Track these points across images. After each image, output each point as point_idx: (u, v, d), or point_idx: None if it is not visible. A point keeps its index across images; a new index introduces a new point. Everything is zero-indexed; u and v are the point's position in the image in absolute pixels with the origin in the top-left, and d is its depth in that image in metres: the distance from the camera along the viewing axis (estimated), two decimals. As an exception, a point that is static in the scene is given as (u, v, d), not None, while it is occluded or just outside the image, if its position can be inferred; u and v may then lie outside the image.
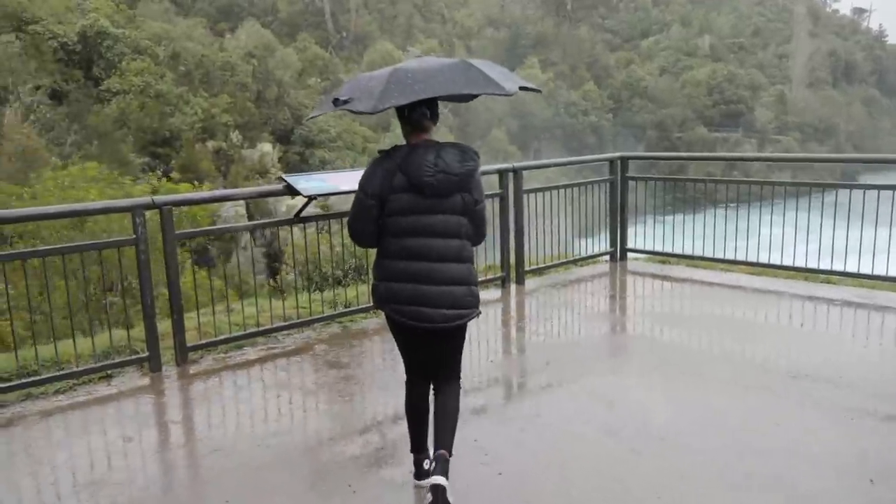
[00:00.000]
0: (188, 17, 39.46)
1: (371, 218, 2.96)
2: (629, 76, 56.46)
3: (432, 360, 3.11)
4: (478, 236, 3.10)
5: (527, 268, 6.90)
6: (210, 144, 25.09)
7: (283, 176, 5.37)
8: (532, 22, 58.67)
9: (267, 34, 37.95)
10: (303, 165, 33.60)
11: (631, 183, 7.69)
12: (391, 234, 2.97)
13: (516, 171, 6.66)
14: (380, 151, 3.01)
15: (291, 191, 5.06)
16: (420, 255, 2.93)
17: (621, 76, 56.46)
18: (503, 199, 6.56)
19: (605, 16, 68.39)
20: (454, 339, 3.10)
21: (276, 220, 7.10)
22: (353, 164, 34.40)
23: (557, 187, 7.14)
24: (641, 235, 7.70)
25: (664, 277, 7.06)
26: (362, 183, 2.97)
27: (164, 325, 4.98)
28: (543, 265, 7.22)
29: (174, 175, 20.51)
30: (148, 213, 4.67)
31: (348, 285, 6.74)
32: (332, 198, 6.38)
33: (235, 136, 25.97)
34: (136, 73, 26.36)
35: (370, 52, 43.01)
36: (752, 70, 63.75)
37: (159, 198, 4.91)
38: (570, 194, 7.23)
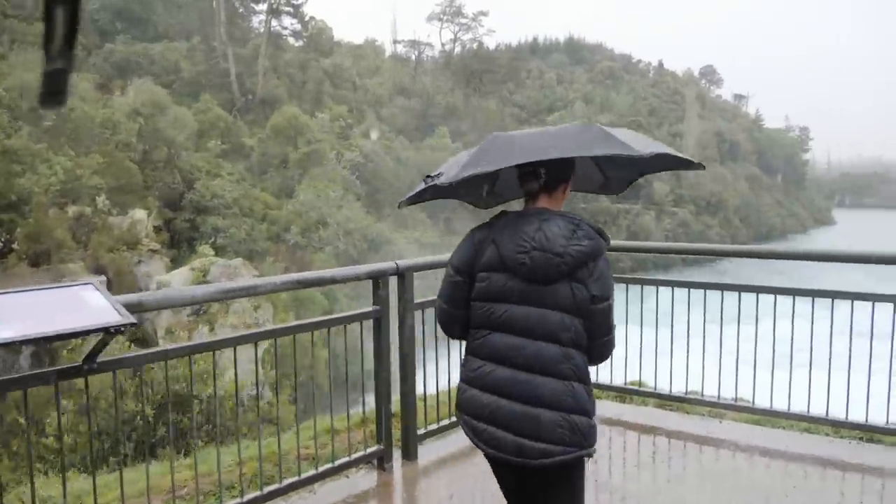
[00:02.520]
0: (79, 71, 35.30)
1: (459, 299, 2.34)
2: (535, 149, 55.43)
3: None
4: (598, 347, 2.25)
5: (421, 429, 4.16)
6: (71, 210, 20.93)
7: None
8: (442, 93, 57.22)
9: (159, 92, 34.15)
10: (193, 233, 29.71)
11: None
12: (476, 324, 2.30)
13: (402, 274, 4.03)
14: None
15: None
16: (504, 357, 2.22)
17: (528, 148, 55.32)
18: (378, 317, 3.92)
19: (513, 91, 68.25)
20: (543, 488, 2.24)
21: None
22: (251, 232, 30.75)
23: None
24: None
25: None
26: (452, 255, 2.40)
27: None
28: (447, 421, 4.36)
29: (16, 247, 16.47)
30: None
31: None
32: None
33: (102, 200, 21.87)
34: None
35: (276, 116, 39.83)
36: (650, 147, 64.41)
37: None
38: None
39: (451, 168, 2.27)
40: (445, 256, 4.34)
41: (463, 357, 2.42)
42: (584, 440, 2.20)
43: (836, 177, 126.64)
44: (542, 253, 2.17)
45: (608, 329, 2.27)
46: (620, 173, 2.68)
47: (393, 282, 3.89)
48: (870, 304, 4.24)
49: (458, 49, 69.21)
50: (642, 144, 2.22)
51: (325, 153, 38.10)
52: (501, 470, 2.34)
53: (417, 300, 4.01)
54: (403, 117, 52.20)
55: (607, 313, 2.25)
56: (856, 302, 4.31)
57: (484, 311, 2.28)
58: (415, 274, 4.06)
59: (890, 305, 4.20)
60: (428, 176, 2.34)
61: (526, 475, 2.25)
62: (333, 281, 3.52)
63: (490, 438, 2.22)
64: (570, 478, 2.25)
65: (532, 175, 2.29)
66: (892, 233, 75.77)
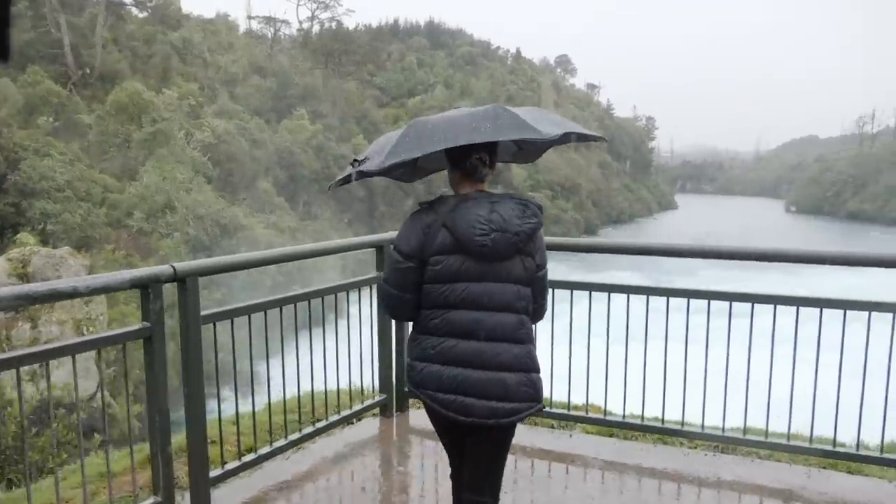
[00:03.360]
0: None
1: (409, 284, 2.45)
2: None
3: (467, 466, 2.52)
4: (539, 309, 2.61)
5: (215, 470, 3.53)
6: None
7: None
8: (301, 73, 55.03)
9: (-27, 61, 30.14)
10: (19, 219, 26.63)
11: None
12: (432, 304, 2.43)
13: (182, 280, 3.23)
14: (420, 204, 2.52)
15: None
16: (467, 331, 2.39)
17: (390, 131, 54.59)
18: (149, 336, 3.11)
19: (374, 73, 67.06)
20: (499, 443, 2.49)
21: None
22: (88, 217, 28.02)
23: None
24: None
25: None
26: (397, 241, 2.49)
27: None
28: (251, 456, 3.65)
29: None
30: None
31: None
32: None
33: None
34: None
35: (117, 92, 36.45)
36: (509, 132, 65.58)
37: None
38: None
39: (376, 154, 2.40)
40: (236, 257, 3.72)
41: (410, 337, 2.54)
42: (539, 394, 2.47)
43: (678, 164, 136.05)
44: (501, 234, 2.36)
45: (545, 291, 2.63)
46: (533, 147, 2.86)
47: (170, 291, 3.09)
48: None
49: (316, 28, 67.15)
50: (550, 125, 2.39)
51: (173, 133, 35.40)
52: (458, 430, 2.46)
53: (207, 311, 3.25)
54: (259, 97, 49.72)
55: (545, 277, 2.58)
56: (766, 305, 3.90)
57: (440, 292, 2.40)
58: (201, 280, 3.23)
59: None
60: (355, 160, 2.47)
61: (480, 431, 2.43)
62: (76, 294, 2.63)
63: (461, 406, 2.37)
64: (513, 430, 2.51)
65: (479, 161, 2.46)
66: (726, 216, 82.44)
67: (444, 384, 2.37)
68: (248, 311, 3.56)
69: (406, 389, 3.19)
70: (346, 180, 2.52)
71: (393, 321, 4.51)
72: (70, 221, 26.78)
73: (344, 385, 4.30)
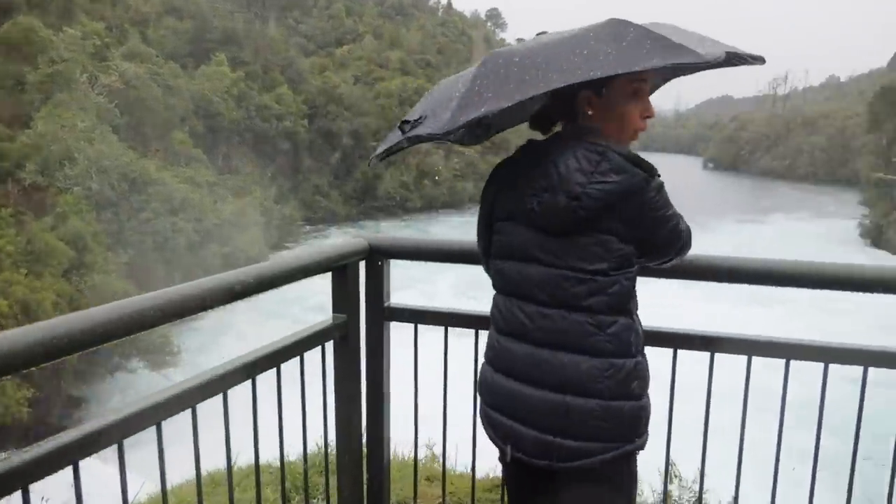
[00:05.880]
0: None
1: (482, 247, 1.94)
2: (324, 82, 51.62)
3: None
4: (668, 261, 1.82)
5: None
6: None
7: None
8: (220, 16, 50.56)
9: None
10: None
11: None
12: (494, 286, 1.87)
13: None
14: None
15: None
16: (520, 330, 1.74)
17: (316, 82, 51.32)
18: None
19: (300, 19, 63.05)
20: (562, 497, 1.72)
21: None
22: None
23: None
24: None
25: None
26: None
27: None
28: None
29: None
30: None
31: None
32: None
33: None
34: None
35: (8, 27, 32.07)
36: (439, 85, 63.69)
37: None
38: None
39: (440, 109, 1.65)
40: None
41: None
42: (623, 435, 1.68)
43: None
44: (552, 195, 1.66)
45: (672, 239, 1.75)
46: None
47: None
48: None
49: (238, -31, 62.14)
50: (700, 44, 1.56)
51: (74, 76, 31.47)
52: (505, 463, 1.83)
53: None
54: (174, 41, 45.41)
55: (669, 227, 1.72)
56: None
57: (496, 272, 1.84)
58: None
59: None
60: (405, 121, 1.74)
61: (531, 473, 1.75)
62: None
63: (502, 428, 1.77)
64: (611, 480, 1.68)
65: (587, 101, 1.73)
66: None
67: (493, 397, 1.82)
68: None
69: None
70: (394, 150, 1.78)
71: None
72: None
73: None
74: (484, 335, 2.02)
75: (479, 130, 2.02)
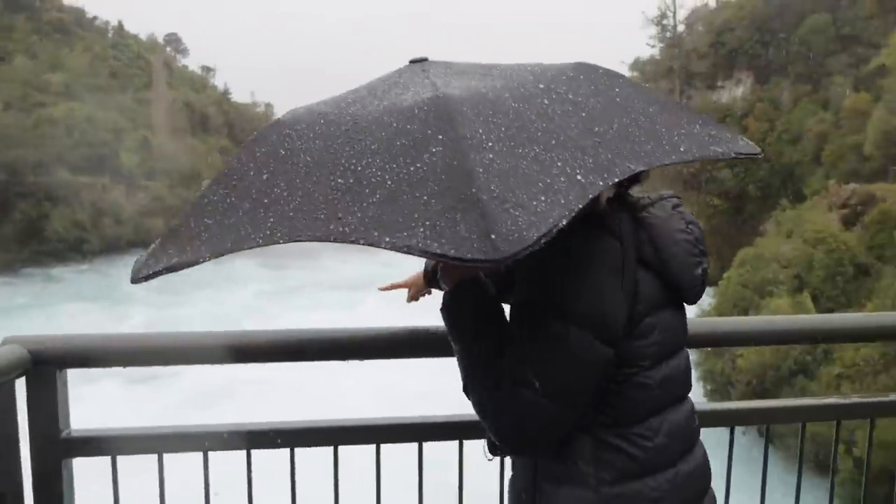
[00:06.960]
0: None
1: (591, 385, 1.23)
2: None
3: None
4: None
5: None
6: None
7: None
8: None
9: None
10: None
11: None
12: (627, 408, 1.28)
13: None
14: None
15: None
16: (683, 442, 1.33)
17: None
18: None
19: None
20: None
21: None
22: None
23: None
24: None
25: None
26: (570, 306, 1.20)
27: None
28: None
29: None
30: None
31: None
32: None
33: None
34: None
35: None
36: (113, 113, 57.61)
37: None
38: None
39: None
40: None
41: (593, 462, 1.27)
42: None
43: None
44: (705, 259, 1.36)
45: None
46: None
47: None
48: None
49: None
50: (716, 132, 1.24)
51: None
52: None
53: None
54: None
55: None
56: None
57: (638, 379, 1.27)
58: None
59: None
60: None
61: None
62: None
63: None
64: None
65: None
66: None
67: None
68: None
69: None
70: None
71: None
72: None
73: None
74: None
75: None
